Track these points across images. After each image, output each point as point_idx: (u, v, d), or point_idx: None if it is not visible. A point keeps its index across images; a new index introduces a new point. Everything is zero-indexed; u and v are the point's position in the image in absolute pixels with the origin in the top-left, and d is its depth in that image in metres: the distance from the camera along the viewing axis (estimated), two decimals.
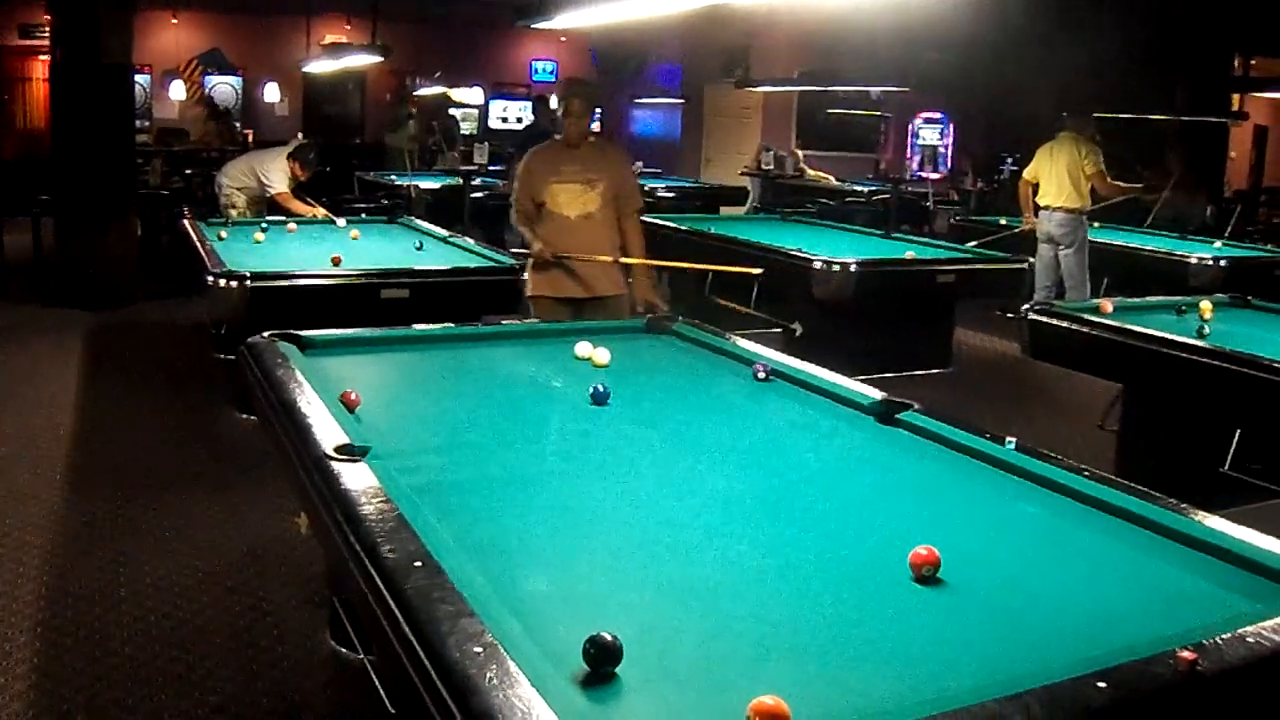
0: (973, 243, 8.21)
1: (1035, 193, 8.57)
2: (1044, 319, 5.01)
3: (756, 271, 3.70)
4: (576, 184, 5.15)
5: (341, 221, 7.71)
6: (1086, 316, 4.88)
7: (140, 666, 3.49)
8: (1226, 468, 4.26)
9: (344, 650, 3.20)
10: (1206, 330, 4.63)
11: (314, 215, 8.08)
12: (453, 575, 1.83)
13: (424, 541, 1.96)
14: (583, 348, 3.67)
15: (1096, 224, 9.55)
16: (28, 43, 15.72)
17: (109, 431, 5.83)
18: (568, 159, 5.17)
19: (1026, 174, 8.68)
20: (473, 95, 17.37)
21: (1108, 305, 5.09)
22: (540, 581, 1.95)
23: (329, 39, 16.26)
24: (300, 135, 13.51)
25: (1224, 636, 1.74)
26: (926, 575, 1.99)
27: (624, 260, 5.21)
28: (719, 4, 5.96)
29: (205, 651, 3.59)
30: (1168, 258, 7.92)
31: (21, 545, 4.35)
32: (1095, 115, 8.80)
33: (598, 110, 11.81)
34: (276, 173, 8.21)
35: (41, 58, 14.58)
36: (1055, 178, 8.31)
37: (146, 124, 15.65)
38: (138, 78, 14.19)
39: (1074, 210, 8.27)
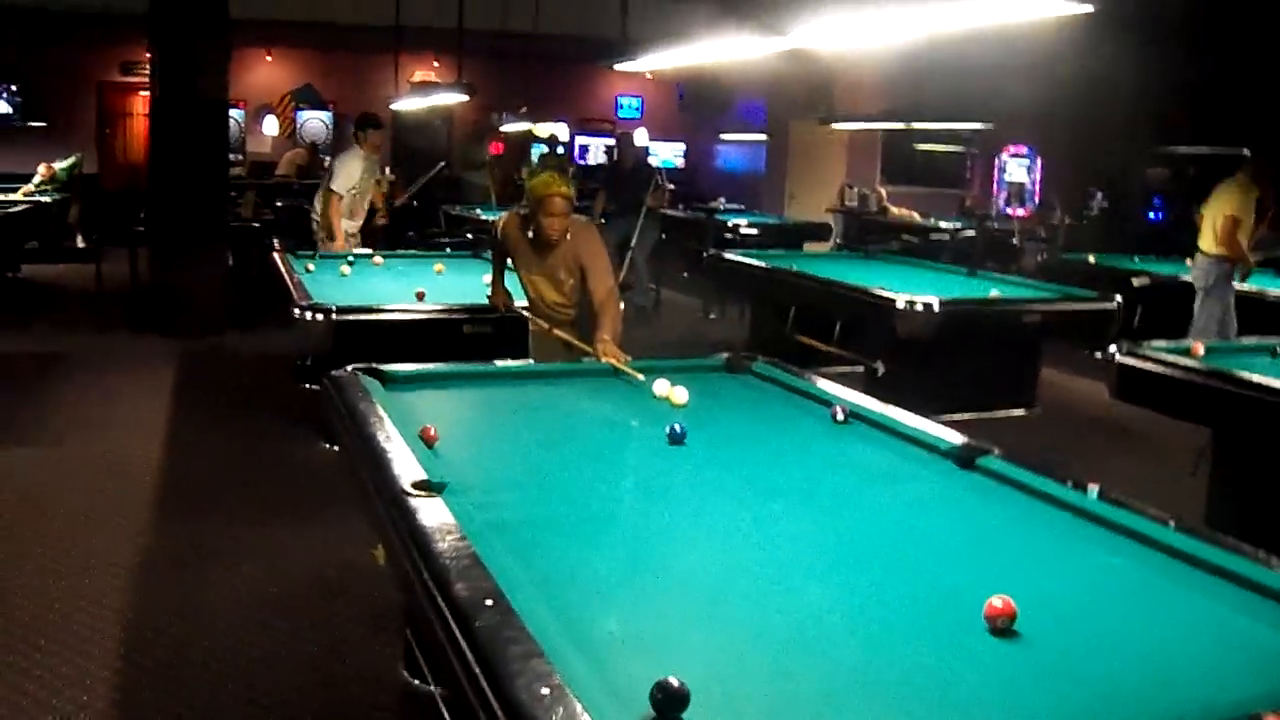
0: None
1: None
2: (1132, 360, 4.91)
3: (641, 377, 3.70)
4: (546, 278, 4.92)
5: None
6: (1175, 359, 4.77)
7: (215, 691, 3.56)
8: None
9: (416, 682, 3.21)
10: None
11: (334, 238, 8.12)
12: (523, 614, 1.84)
13: (496, 579, 1.98)
14: (661, 386, 3.67)
15: (1189, 262, 9.37)
16: (128, 79, 16.25)
17: (194, 457, 5.97)
18: (543, 251, 4.86)
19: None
20: (556, 131, 17.54)
21: (1199, 347, 4.98)
22: (610, 622, 1.94)
23: (418, 76, 16.56)
24: (388, 170, 13.76)
25: None
26: (1001, 627, 1.95)
27: (556, 332, 4.87)
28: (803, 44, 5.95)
29: (278, 678, 3.64)
30: (1259, 298, 7.73)
31: (108, 565, 4.47)
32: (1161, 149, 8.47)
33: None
34: (340, 172, 8.25)
35: (142, 93, 15.04)
36: (1208, 220, 8.03)
37: (240, 157, 16.08)
38: (232, 112, 14.60)
39: (1210, 256, 7.96)
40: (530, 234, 4.85)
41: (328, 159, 15.88)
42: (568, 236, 4.78)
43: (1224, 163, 10.69)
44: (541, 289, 4.99)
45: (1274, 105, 10.22)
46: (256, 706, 3.47)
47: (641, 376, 3.82)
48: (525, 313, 5.11)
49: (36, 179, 12.72)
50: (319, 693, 3.57)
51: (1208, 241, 7.92)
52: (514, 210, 5.11)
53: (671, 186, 13.71)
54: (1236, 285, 7.99)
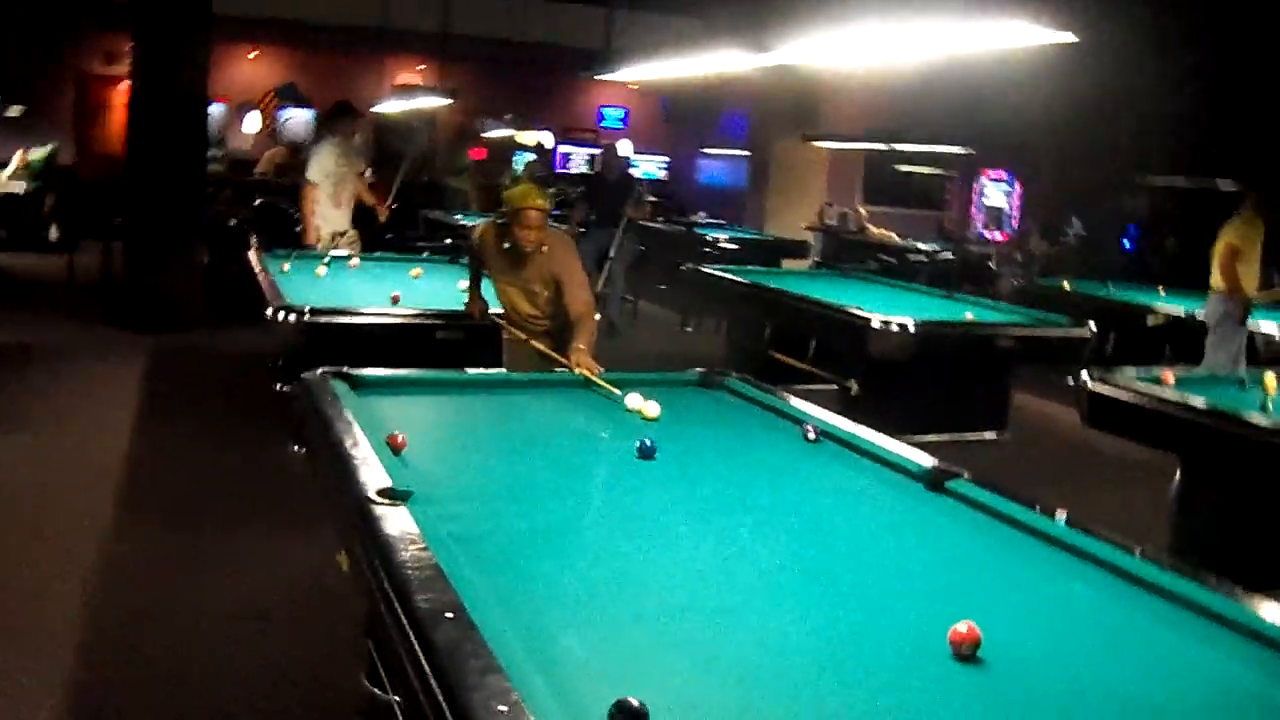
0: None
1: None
2: (1103, 387, 4.93)
3: (617, 392, 3.69)
4: (520, 289, 4.94)
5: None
6: (1145, 388, 4.80)
7: (176, 695, 3.52)
8: None
9: (378, 691, 3.19)
10: (1269, 405, 4.53)
11: (308, 226, 8.08)
12: (484, 628, 1.82)
13: (458, 591, 1.96)
14: (633, 399, 3.66)
15: (1163, 291, 9.43)
16: (110, 70, 16.14)
17: (164, 455, 5.91)
18: (515, 263, 4.88)
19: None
20: (542, 137, 17.56)
21: (1169, 375, 5.00)
22: (571, 640, 1.92)
23: (402, 79, 16.53)
24: (369, 171, 13.68)
25: None
26: (966, 654, 1.95)
27: (531, 342, 4.90)
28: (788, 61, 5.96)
29: (242, 684, 3.60)
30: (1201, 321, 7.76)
31: (72, 560, 4.42)
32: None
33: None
34: (312, 161, 8.19)
35: (122, 85, 14.95)
36: (1215, 255, 7.74)
37: (220, 153, 15.98)
38: (214, 108, 14.51)
39: (1217, 292, 7.67)
40: (506, 244, 4.84)
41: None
42: (544, 249, 4.78)
43: (1202, 196, 10.81)
44: (515, 299, 4.98)
45: (1256, 138, 10.33)
46: (219, 713, 3.43)
47: (618, 391, 3.81)
48: (500, 321, 5.10)
49: (11, 167, 12.62)
50: (283, 701, 3.53)
51: (1215, 277, 7.71)
52: (491, 220, 5.10)
53: (653, 199, 13.73)
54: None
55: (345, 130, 8.38)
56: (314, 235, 8.12)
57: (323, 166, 8.12)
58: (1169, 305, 8.46)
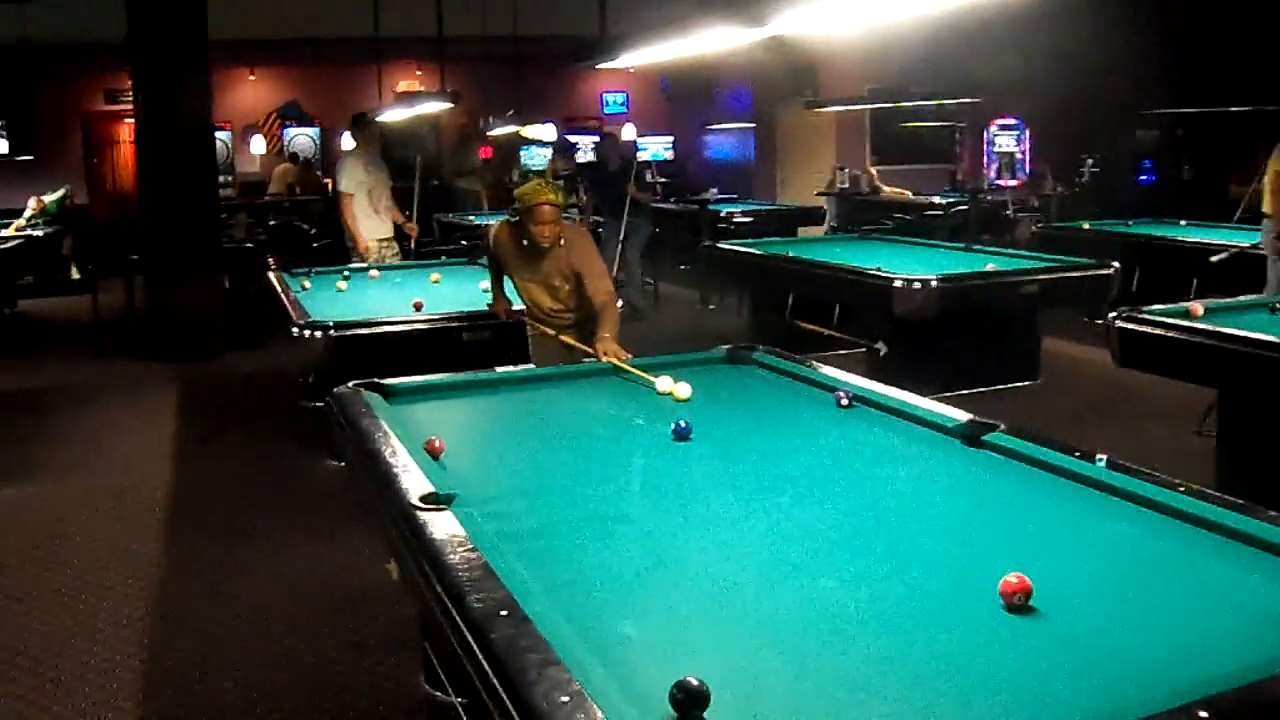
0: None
1: None
2: (1132, 325, 4.90)
3: (649, 377, 3.69)
4: (543, 286, 4.95)
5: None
6: (1175, 321, 4.77)
7: (237, 712, 3.55)
8: None
9: (438, 694, 3.22)
10: None
11: (354, 238, 8.21)
12: (539, 622, 1.83)
13: (509, 589, 1.97)
14: (663, 383, 3.67)
15: (1183, 222, 9.35)
16: (114, 108, 16.25)
17: (202, 481, 5.97)
18: (533, 259, 4.90)
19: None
20: (545, 131, 17.55)
21: (1198, 308, 4.97)
22: (625, 625, 1.94)
23: (401, 85, 16.56)
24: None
25: None
26: (1018, 604, 1.95)
27: (564, 339, 4.86)
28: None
29: (301, 695, 3.64)
30: (1261, 253, 7.66)
31: (122, 595, 4.47)
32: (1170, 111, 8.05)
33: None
34: (342, 173, 8.33)
35: (127, 121, 15.04)
36: (1267, 183, 7.51)
37: (229, 178, 16.07)
38: (219, 134, 14.61)
39: (1271, 217, 7.47)
40: (524, 241, 4.86)
41: (319, 174, 15.96)
42: (560, 242, 4.80)
43: (1214, 122, 10.70)
44: (537, 295, 5.00)
45: (1258, 63, 10.23)
46: None
47: (650, 377, 3.81)
48: (525, 318, 5.11)
49: (27, 213, 12.71)
50: (344, 709, 3.57)
51: (1267, 203, 7.49)
52: (505, 220, 5.11)
53: (663, 180, 13.70)
54: None
55: (367, 139, 8.45)
56: (363, 244, 8.27)
57: (353, 176, 8.26)
58: (1232, 240, 8.14)
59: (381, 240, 8.43)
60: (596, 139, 16.10)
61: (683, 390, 3.61)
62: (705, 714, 1.58)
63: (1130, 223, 9.66)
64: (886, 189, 13.57)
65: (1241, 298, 5.46)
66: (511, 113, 13.84)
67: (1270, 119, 10.84)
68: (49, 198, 13.16)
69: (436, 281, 7.14)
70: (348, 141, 17.60)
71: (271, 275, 7.10)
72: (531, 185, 4.77)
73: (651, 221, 10.91)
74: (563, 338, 4.86)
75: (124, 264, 9.82)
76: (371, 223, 8.36)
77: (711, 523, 2.49)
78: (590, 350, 4.41)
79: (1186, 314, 4.89)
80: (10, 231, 11.91)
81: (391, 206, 8.53)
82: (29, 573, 4.76)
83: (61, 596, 4.49)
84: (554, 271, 4.89)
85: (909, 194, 13.32)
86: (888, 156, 15.03)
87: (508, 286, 5.26)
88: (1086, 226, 9.52)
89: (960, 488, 2.73)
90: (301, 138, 17.42)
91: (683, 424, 3.14)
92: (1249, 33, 10.41)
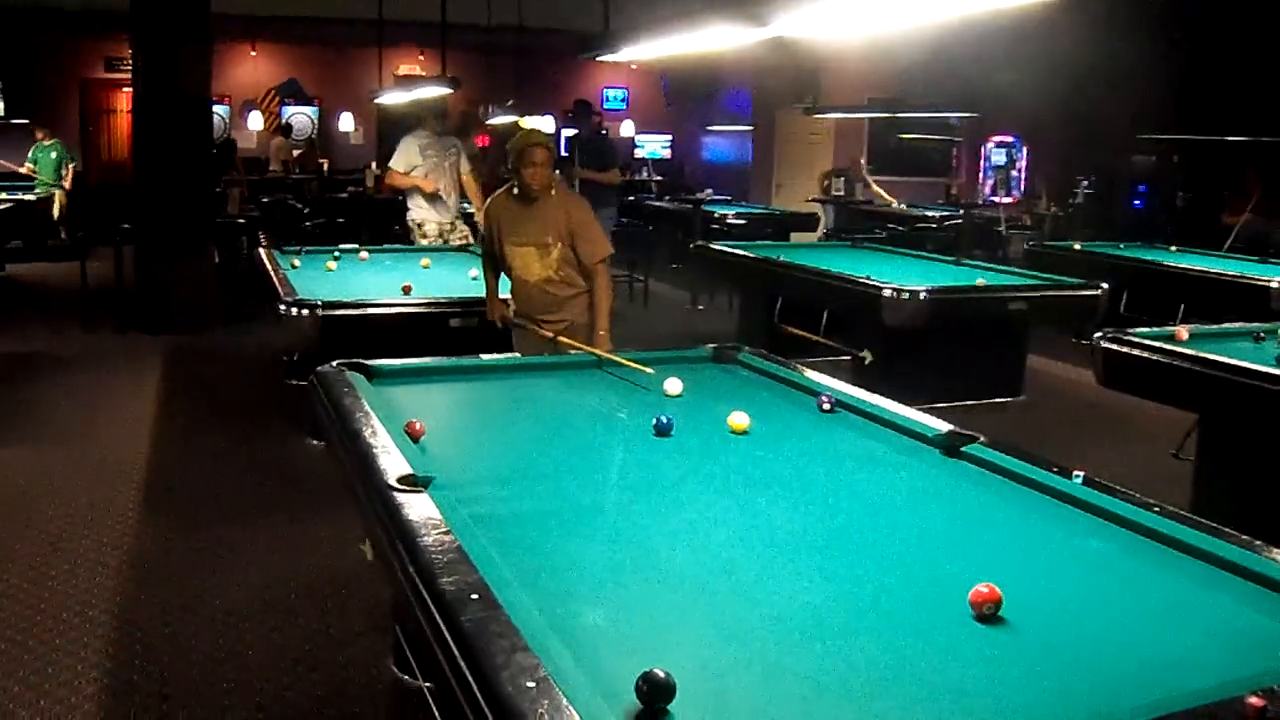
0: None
1: None
2: (1116, 346, 4.92)
3: (649, 371, 3.68)
4: (532, 247, 4.92)
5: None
6: (1160, 344, 4.78)
7: (205, 689, 3.55)
8: None
9: (406, 677, 3.23)
10: None
11: (415, 185, 8.26)
12: (509, 608, 1.84)
13: (482, 573, 1.97)
14: (672, 384, 3.64)
15: (1174, 248, 9.39)
16: (112, 76, 16.19)
17: (183, 455, 5.96)
18: (525, 217, 4.90)
19: None
20: (544, 123, 17.55)
21: (1183, 332, 4.99)
22: (596, 615, 1.94)
23: (402, 69, 16.53)
24: (374, 166, 13.73)
25: None
26: (987, 614, 1.96)
27: (561, 340, 4.81)
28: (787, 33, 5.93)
29: (270, 675, 3.64)
30: (1248, 282, 7.72)
31: (96, 565, 4.46)
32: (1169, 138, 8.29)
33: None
34: (397, 154, 8.33)
35: (125, 90, 14.99)
36: None
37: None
38: (217, 108, 14.57)
39: None
40: (515, 192, 4.91)
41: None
42: (552, 193, 4.87)
43: (1209, 151, 10.75)
44: (529, 263, 4.96)
45: (1258, 93, 10.27)
46: (249, 706, 3.47)
47: (650, 370, 3.80)
48: (521, 322, 5.10)
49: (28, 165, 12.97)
50: (312, 690, 3.56)
51: None
52: (498, 192, 5.14)
53: (659, 178, 13.66)
54: None
55: (434, 121, 8.42)
56: (416, 235, 8.35)
57: (407, 159, 8.25)
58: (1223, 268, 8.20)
59: (442, 225, 8.41)
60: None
61: (673, 386, 3.61)
62: (671, 707, 1.59)
63: (1121, 245, 9.70)
64: (874, 185, 13.52)
65: (1227, 324, 5.47)
66: (511, 102, 13.83)
67: (1268, 150, 10.92)
68: (45, 142, 13.31)
69: (426, 266, 7.13)
70: (346, 122, 17.68)
71: (262, 252, 7.09)
72: (524, 132, 4.90)
73: (617, 209, 10.47)
74: (564, 340, 4.80)
75: (115, 233, 9.79)
76: (427, 207, 8.35)
77: (687, 518, 2.50)
78: (585, 348, 4.41)
79: (1171, 338, 4.91)
80: (25, 170, 12.53)
81: (454, 185, 8.45)
82: (1, 537, 4.74)
83: (34, 562, 4.48)
84: (547, 228, 4.88)
85: (894, 201, 13.27)
86: (885, 167, 15.05)
87: (505, 288, 5.22)
88: (1078, 247, 9.55)
89: (937, 497, 2.73)
90: (300, 116, 17.38)
91: (664, 420, 3.14)
92: (1249, 62, 10.45)
